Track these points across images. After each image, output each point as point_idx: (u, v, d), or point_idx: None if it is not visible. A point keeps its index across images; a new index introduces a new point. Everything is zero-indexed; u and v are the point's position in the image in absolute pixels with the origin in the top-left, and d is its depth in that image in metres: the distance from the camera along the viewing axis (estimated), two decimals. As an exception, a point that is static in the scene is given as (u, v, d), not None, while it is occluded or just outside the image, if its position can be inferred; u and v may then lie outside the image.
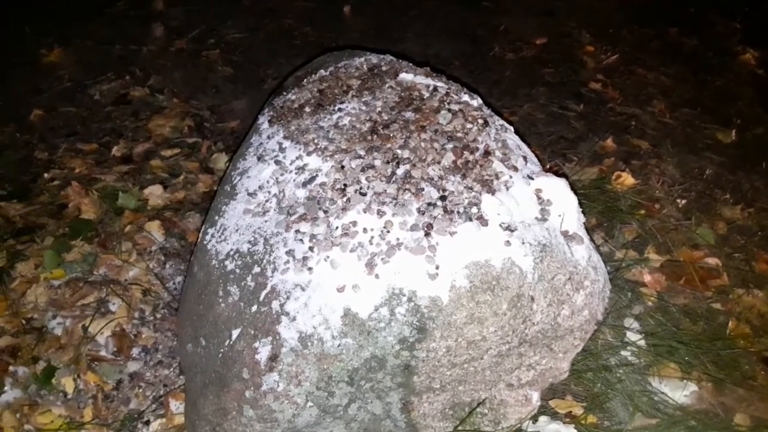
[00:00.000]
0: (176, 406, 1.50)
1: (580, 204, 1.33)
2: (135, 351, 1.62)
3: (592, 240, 1.46)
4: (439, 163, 1.31)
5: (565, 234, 1.33)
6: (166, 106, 2.51)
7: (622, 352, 1.62)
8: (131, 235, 1.89)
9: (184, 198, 2.07)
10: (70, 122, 2.41)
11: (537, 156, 1.45)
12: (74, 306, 1.69)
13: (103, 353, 1.60)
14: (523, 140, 1.49)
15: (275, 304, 1.19)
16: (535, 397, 1.40)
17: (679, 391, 1.55)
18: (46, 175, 2.13)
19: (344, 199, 1.26)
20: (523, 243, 1.24)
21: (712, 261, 1.91)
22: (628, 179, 2.18)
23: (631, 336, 1.66)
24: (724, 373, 1.59)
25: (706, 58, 3.01)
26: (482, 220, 1.23)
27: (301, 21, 3.12)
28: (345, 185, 1.28)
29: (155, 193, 2.05)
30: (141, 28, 2.97)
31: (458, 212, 1.24)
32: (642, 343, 1.65)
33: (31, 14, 3.01)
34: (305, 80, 1.63)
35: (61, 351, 1.59)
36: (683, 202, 2.14)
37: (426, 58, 2.80)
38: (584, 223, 1.38)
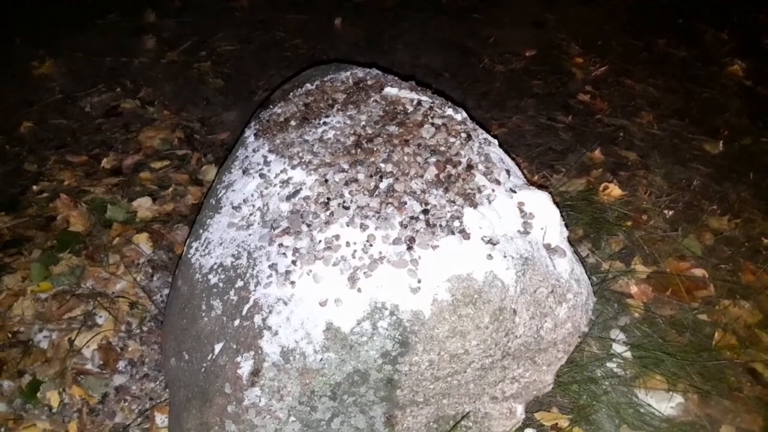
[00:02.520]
0: (162, 419, 1.49)
1: (567, 215, 1.34)
2: (121, 364, 1.61)
3: (575, 252, 1.46)
4: (422, 176, 1.32)
5: (547, 247, 1.33)
6: (156, 118, 2.53)
7: (608, 364, 1.62)
8: (119, 247, 1.89)
9: (173, 210, 2.07)
10: (60, 134, 2.42)
11: (525, 167, 1.46)
12: (61, 319, 1.69)
13: (89, 366, 1.60)
14: (510, 153, 1.50)
15: (257, 318, 1.19)
16: (520, 409, 1.40)
17: (665, 403, 1.55)
18: (34, 187, 2.13)
19: (327, 212, 1.26)
20: (506, 256, 1.24)
21: (699, 272, 1.92)
22: (615, 190, 2.20)
23: (617, 347, 1.66)
24: (710, 384, 1.60)
25: (694, 69, 3.04)
26: (464, 234, 1.23)
27: (292, 33, 3.13)
28: (328, 199, 1.29)
29: (144, 206, 2.05)
30: (132, 40, 2.98)
31: (440, 226, 1.24)
32: (628, 354, 1.65)
33: (22, 26, 3.02)
34: (291, 94, 1.64)
35: (46, 364, 1.59)
36: (670, 213, 2.15)
37: (416, 69, 2.83)
38: (567, 236, 1.38)
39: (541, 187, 1.43)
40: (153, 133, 2.42)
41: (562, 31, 3.24)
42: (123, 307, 1.72)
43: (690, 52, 3.16)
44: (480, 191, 1.31)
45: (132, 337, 1.67)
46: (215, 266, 1.31)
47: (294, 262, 1.22)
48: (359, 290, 1.18)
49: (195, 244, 1.38)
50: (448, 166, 1.34)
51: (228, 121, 2.54)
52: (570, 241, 1.40)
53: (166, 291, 1.78)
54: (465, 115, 1.52)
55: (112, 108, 2.56)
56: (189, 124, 2.51)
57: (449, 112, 1.50)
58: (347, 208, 1.26)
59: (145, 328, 1.70)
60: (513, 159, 1.51)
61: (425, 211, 1.26)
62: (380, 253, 1.21)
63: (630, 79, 2.90)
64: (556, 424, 1.50)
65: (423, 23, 3.26)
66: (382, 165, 1.34)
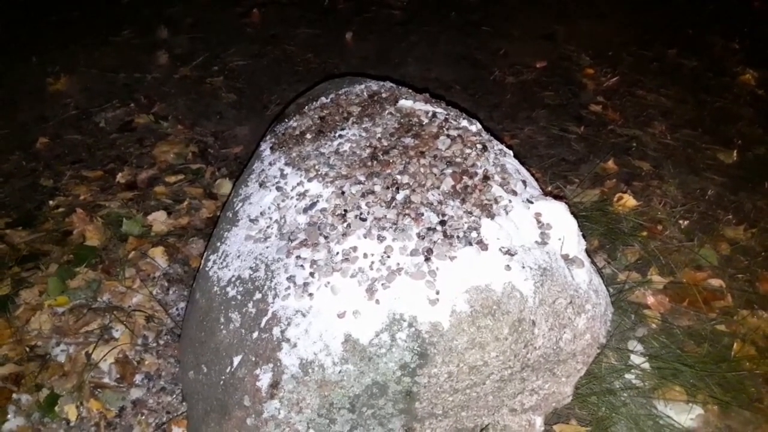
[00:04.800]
0: (178, 433, 1.49)
1: (582, 226, 1.34)
2: (138, 378, 1.62)
3: (593, 263, 1.46)
4: (438, 188, 1.32)
5: (565, 258, 1.32)
6: (170, 132, 2.55)
7: (627, 375, 1.61)
8: (135, 261, 1.90)
9: (188, 224, 2.08)
10: (76, 149, 2.44)
11: (538, 179, 1.46)
12: (78, 333, 1.69)
13: (106, 380, 1.60)
14: (523, 164, 1.50)
15: (276, 331, 1.19)
16: (539, 422, 1.39)
17: (684, 415, 1.53)
18: (51, 202, 2.15)
19: (345, 224, 1.27)
20: (524, 267, 1.24)
21: (716, 282, 1.90)
22: (629, 201, 2.19)
23: (635, 359, 1.65)
24: (730, 395, 1.58)
25: (706, 78, 3.03)
26: (482, 245, 1.23)
27: (303, 48, 3.16)
28: (345, 211, 1.29)
29: (159, 219, 2.07)
30: (145, 56, 3.02)
31: (458, 237, 1.24)
32: (646, 365, 1.64)
33: (38, 43, 3.06)
34: (306, 107, 1.65)
35: (64, 378, 1.59)
36: (685, 223, 2.14)
37: (427, 82, 2.84)
38: (585, 246, 1.37)
39: (557, 197, 1.43)
40: (167, 147, 2.44)
41: (571, 43, 3.25)
42: (139, 321, 1.73)
43: (701, 62, 3.16)
44: (497, 202, 1.32)
45: (148, 351, 1.67)
46: (233, 279, 1.31)
47: (312, 274, 1.22)
48: (377, 302, 1.18)
49: (213, 257, 1.39)
50: (464, 177, 1.34)
51: (241, 135, 2.56)
52: (587, 251, 1.38)
53: (182, 304, 1.79)
54: (480, 126, 1.53)
55: (127, 123, 2.59)
56: (202, 139, 2.53)
57: (464, 123, 1.50)
58: (364, 220, 1.26)
59: (161, 342, 1.70)
60: (527, 170, 1.52)
61: (442, 222, 1.26)
62: (398, 264, 1.21)
63: (642, 90, 2.91)
64: (575, 436, 1.48)
65: (432, 37, 3.29)
66: (399, 177, 1.35)
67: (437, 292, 1.18)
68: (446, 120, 1.51)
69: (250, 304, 1.26)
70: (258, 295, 1.26)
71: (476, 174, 1.36)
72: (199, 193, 2.23)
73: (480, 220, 1.27)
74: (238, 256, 1.34)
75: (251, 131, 2.57)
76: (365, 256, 1.22)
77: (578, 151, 2.52)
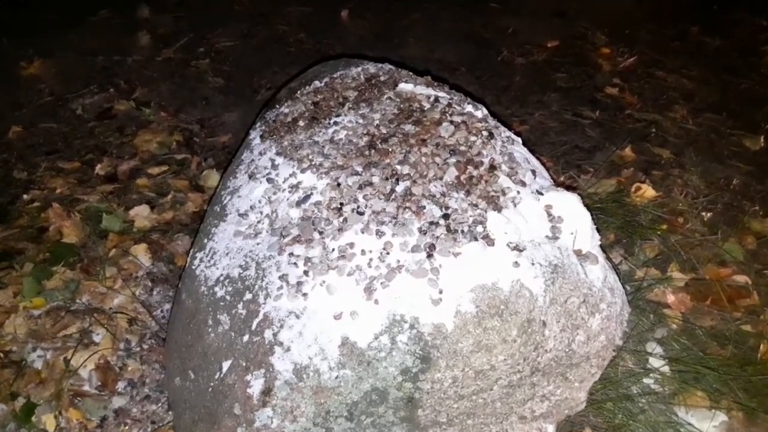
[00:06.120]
0: (164, 444, 1.49)
1: (597, 219, 1.35)
2: (120, 385, 1.62)
3: (608, 259, 1.45)
4: (441, 179, 1.32)
5: (578, 253, 1.33)
6: (152, 120, 2.54)
7: (645, 380, 1.61)
8: (116, 259, 1.90)
9: (173, 219, 2.08)
10: (51, 139, 2.44)
11: (549, 168, 1.47)
12: (55, 337, 1.70)
13: (86, 388, 1.61)
14: (533, 152, 1.50)
15: (268, 333, 1.19)
16: (551, 430, 1.39)
17: (707, 422, 1.54)
18: (25, 196, 2.15)
19: (340, 219, 1.26)
20: (533, 264, 1.24)
21: (741, 279, 1.90)
22: (648, 191, 2.19)
23: (654, 362, 1.65)
24: (756, 401, 1.58)
25: (731, 59, 3.03)
26: (488, 240, 1.23)
27: (295, 27, 3.15)
28: (341, 204, 1.29)
29: (142, 214, 2.07)
30: (126, 37, 3.01)
31: (462, 231, 1.24)
32: (666, 369, 1.64)
33: (9, 25, 3.05)
34: (299, 92, 1.64)
35: (41, 386, 1.60)
36: (708, 215, 2.14)
37: (429, 63, 2.84)
38: (599, 240, 1.37)
39: (569, 188, 1.43)
40: (149, 136, 2.44)
41: (585, 21, 3.24)
42: (121, 324, 1.73)
43: (726, 40, 3.15)
44: (504, 194, 1.31)
45: (131, 356, 1.68)
46: (222, 278, 1.31)
47: (306, 273, 1.22)
48: (376, 302, 1.18)
49: (199, 255, 1.39)
50: (469, 167, 1.34)
51: (229, 122, 2.55)
52: (602, 246, 1.39)
53: (167, 306, 1.79)
54: (486, 111, 1.52)
55: (106, 110, 2.59)
56: (188, 126, 2.52)
57: (469, 108, 1.50)
58: (362, 214, 1.26)
59: (145, 346, 1.70)
60: (537, 159, 1.51)
61: (446, 216, 1.26)
62: (398, 261, 1.21)
63: (661, 71, 2.90)
64: (590, 445, 1.49)
65: (435, 14, 3.27)
66: (398, 167, 1.35)
67: (440, 291, 1.17)
68: (450, 105, 1.50)
69: (240, 305, 1.26)
70: (248, 296, 1.26)
71: (482, 163, 1.36)
72: (185, 186, 2.22)
73: (486, 213, 1.27)
74: (227, 254, 1.34)
75: (240, 118, 2.56)
76: (363, 252, 1.22)
77: (593, 138, 2.51)
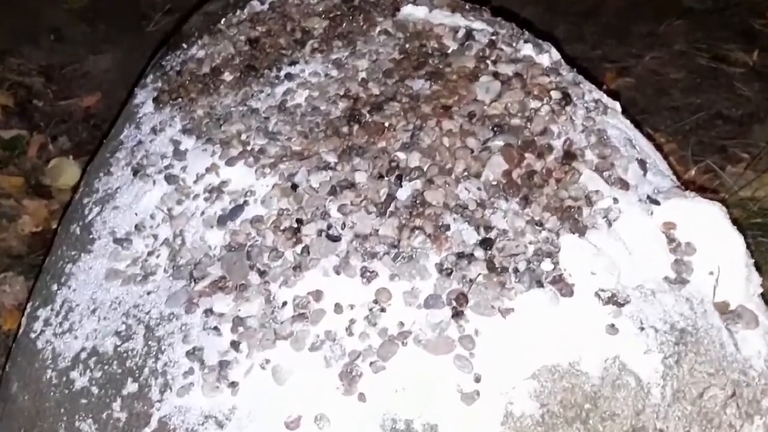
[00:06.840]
0: None
1: (756, 246, 1.12)
2: None
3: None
4: (478, 176, 1.04)
5: (722, 309, 1.03)
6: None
7: None
8: None
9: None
10: None
11: (671, 154, 1.26)
12: None
13: None
14: (643, 126, 1.26)
15: (167, 460, 0.95)
16: None
17: None
18: None
19: (298, 248, 0.99)
20: (643, 328, 0.96)
21: None
22: None
23: None
24: None
25: None
26: (562, 286, 0.96)
27: None
28: (299, 221, 1.02)
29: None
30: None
31: (516, 271, 0.97)
32: None
33: None
34: (224, 20, 1.41)
35: None
36: None
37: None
38: (761, 287, 1.08)
39: (704, 191, 1.19)
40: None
41: None
42: None
43: None
44: (590, 203, 1.03)
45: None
46: (84, 356, 1.04)
47: (235, 346, 0.95)
48: (361, 397, 0.90)
49: (43, 313, 1.11)
50: (527, 155, 1.06)
51: (97, 72, 2.15)
52: (765, 296, 1.10)
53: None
54: (557, 55, 1.26)
55: None
56: (23, 80, 2.09)
57: (526, 50, 1.23)
58: (336, 240, 0.99)
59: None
60: (649, 138, 1.23)
61: (486, 243, 0.97)
62: (401, 324, 0.92)
63: None
64: None
65: None
66: (401, 155, 1.07)
67: (477, 379, 0.90)
68: (492, 44, 1.24)
69: (117, 405, 0.98)
70: (132, 387, 0.98)
71: (551, 149, 1.07)
72: (17, 186, 1.82)
73: (558, 238, 0.99)
74: (94, 311, 1.07)
75: (117, 65, 2.14)
76: (338, 309, 0.95)
77: (747, 100, 2.06)
